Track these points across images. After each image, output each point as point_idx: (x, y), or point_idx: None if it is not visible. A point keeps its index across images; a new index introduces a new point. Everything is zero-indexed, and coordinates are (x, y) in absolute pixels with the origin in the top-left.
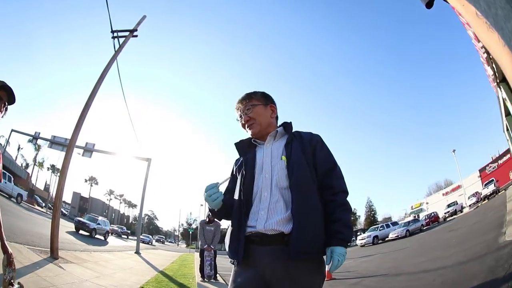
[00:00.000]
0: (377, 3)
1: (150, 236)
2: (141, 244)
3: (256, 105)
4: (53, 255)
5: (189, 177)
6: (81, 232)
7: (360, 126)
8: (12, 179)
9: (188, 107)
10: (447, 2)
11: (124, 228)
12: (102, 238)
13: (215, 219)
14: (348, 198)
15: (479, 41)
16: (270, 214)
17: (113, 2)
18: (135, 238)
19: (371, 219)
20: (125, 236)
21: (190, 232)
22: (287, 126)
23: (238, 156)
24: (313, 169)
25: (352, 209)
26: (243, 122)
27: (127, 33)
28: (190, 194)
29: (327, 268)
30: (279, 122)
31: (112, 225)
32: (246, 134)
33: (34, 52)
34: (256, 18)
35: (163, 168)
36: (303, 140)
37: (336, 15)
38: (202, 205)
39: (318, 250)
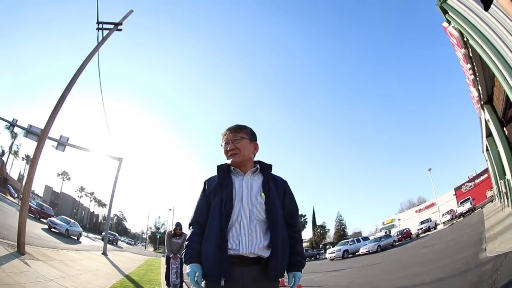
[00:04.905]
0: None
1: (117, 235)
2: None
3: (244, 138)
4: (20, 250)
5: (160, 181)
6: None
7: (332, 138)
8: None
9: (163, 111)
10: None
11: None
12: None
13: (182, 232)
14: (316, 214)
15: (467, 62)
16: (251, 240)
17: None
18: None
19: (341, 233)
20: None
21: (158, 236)
22: (266, 167)
23: (211, 175)
24: (282, 208)
25: (322, 222)
26: (228, 149)
27: (111, 26)
28: (159, 198)
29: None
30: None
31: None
32: (224, 159)
33: (19, 40)
34: (248, 22)
35: (135, 170)
36: (277, 182)
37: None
38: (170, 209)
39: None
